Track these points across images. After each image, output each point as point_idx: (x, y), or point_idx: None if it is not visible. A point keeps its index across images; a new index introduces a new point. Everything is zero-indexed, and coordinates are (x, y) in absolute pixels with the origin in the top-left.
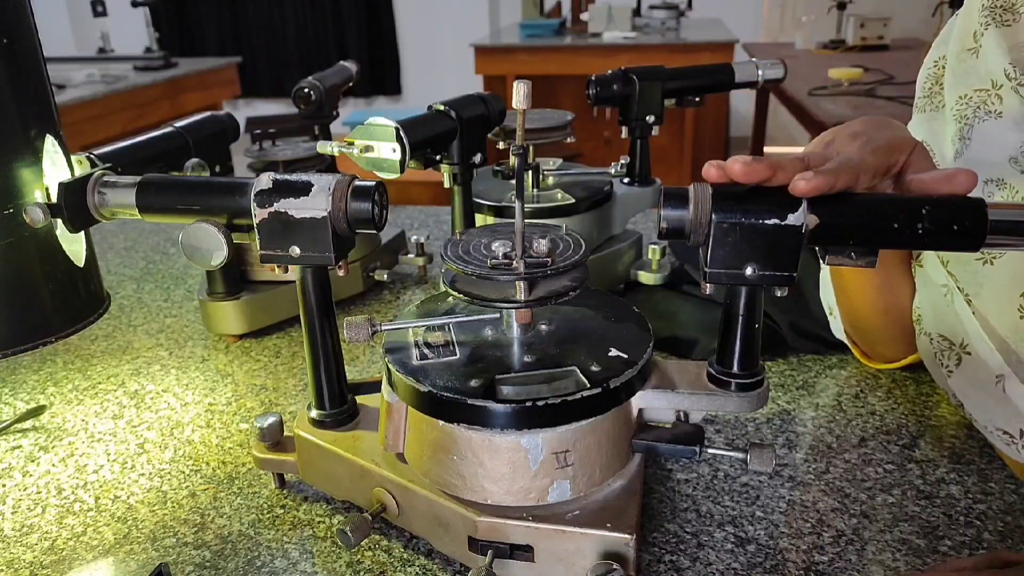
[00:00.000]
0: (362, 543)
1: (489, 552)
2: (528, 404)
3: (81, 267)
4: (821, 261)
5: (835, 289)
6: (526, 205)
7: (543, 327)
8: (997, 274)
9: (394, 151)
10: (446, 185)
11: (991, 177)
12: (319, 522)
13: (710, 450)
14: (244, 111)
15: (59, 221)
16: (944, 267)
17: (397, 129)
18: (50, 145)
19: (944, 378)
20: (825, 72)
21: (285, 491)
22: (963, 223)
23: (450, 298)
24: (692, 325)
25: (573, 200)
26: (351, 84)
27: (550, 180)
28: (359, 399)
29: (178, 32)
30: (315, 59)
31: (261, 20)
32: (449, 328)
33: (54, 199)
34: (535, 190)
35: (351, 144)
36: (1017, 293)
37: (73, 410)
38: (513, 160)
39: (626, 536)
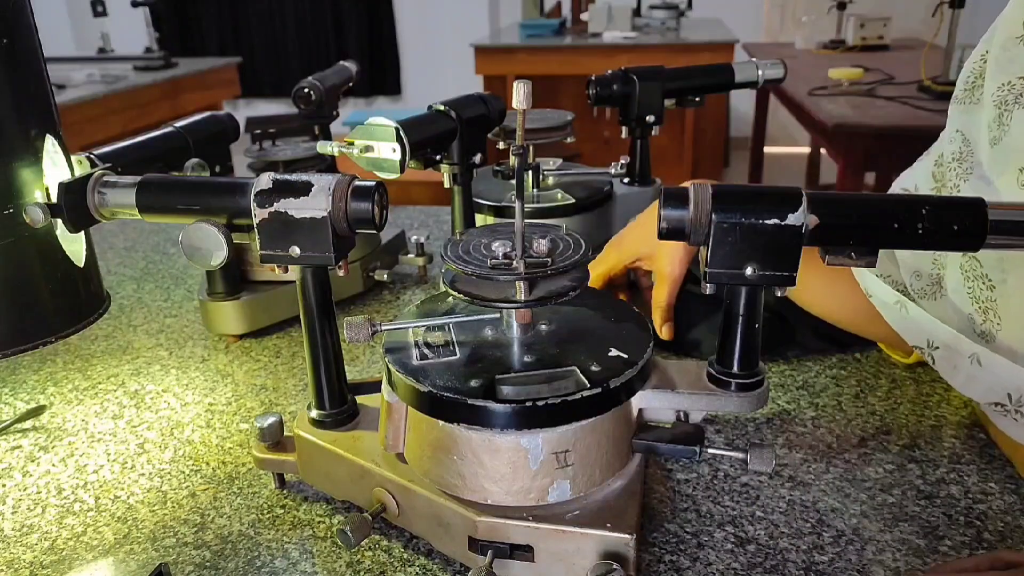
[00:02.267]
0: (362, 543)
1: (489, 552)
2: (528, 404)
3: (81, 267)
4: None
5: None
6: (526, 205)
7: (543, 327)
8: (1022, 258)
9: (394, 151)
10: (446, 185)
11: None
12: (319, 522)
13: (710, 450)
14: (244, 111)
15: (59, 221)
16: (962, 255)
17: (397, 129)
18: (50, 145)
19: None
20: (825, 72)
21: (285, 491)
22: (963, 223)
23: (450, 298)
24: (695, 325)
25: (573, 200)
26: (351, 84)
27: (550, 180)
28: (359, 399)
29: (178, 32)
30: (315, 59)
31: (261, 20)
32: (449, 328)
33: (54, 199)
34: (535, 190)
35: (351, 144)
36: None
37: (73, 410)
38: (513, 160)
39: (626, 536)
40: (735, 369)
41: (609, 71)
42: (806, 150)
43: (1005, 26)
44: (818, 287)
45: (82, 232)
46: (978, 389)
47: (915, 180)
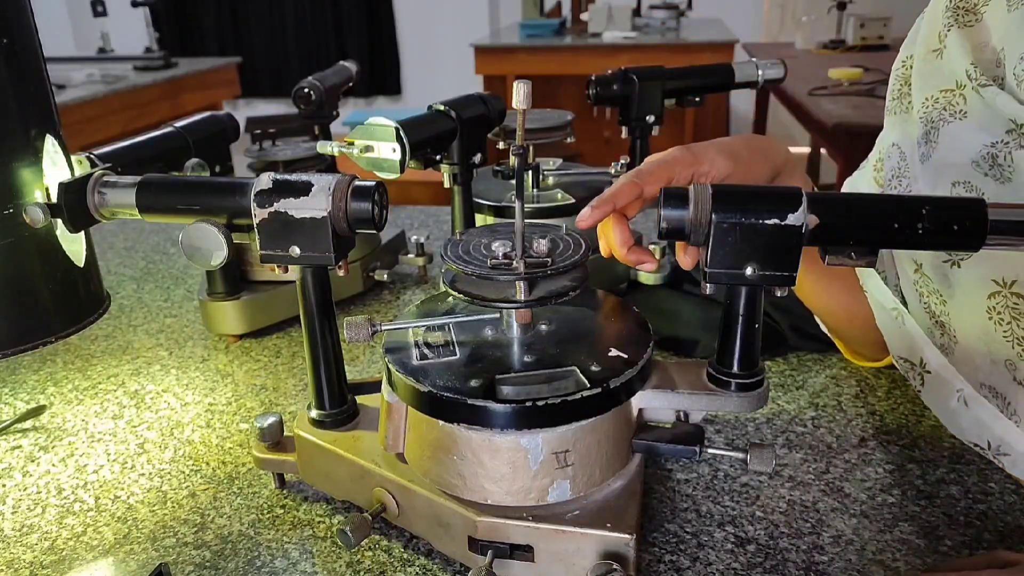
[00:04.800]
0: (362, 543)
1: (489, 552)
2: (528, 404)
3: (81, 267)
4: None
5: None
6: (526, 205)
7: (543, 327)
8: (965, 276)
9: (394, 151)
10: (446, 185)
11: (958, 180)
12: (319, 522)
13: (710, 450)
14: (244, 111)
15: (59, 221)
16: (915, 272)
17: (397, 129)
18: (50, 145)
19: (918, 395)
20: (825, 72)
21: (285, 491)
22: (963, 223)
23: (450, 298)
24: (694, 324)
25: (573, 200)
26: (351, 84)
27: (550, 180)
28: (359, 399)
29: (178, 32)
30: (315, 59)
31: (261, 20)
32: (449, 328)
33: (54, 199)
34: (535, 190)
35: (351, 144)
36: (985, 295)
37: (73, 410)
38: (513, 160)
39: (626, 536)
40: (735, 369)
41: (609, 71)
42: (806, 150)
43: (924, 38)
44: (817, 282)
45: (82, 232)
46: (960, 427)
47: (858, 189)
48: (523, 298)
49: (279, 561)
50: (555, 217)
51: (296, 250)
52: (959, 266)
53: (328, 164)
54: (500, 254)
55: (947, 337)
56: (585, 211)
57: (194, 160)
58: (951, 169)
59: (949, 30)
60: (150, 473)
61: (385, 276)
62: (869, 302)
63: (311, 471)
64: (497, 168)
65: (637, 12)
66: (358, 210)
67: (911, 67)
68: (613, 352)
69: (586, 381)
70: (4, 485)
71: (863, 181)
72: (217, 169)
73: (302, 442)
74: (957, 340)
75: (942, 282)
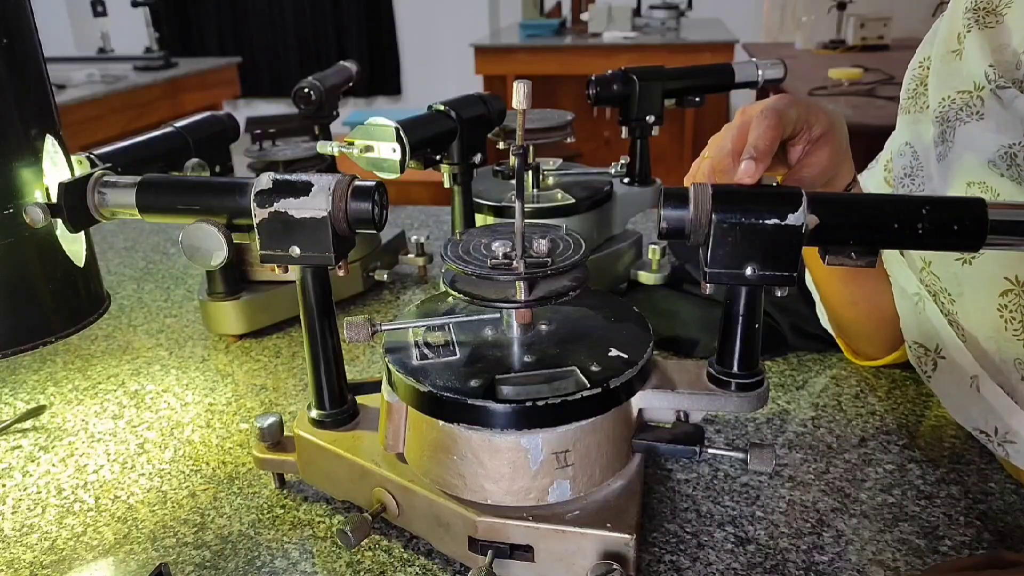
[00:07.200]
0: (362, 543)
1: (489, 552)
2: (528, 404)
3: (81, 267)
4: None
5: (811, 276)
6: (526, 205)
7: (543, 327)
8: (976, 275)
9: (394, 151)
10: (446, 185)
11: (973, 180)
12: (319, 522)
13: (710, 450)
14: (244, 111)
15: (59, 221)
16: (921, 271)
17: (397, 129)
18: (50, 145)
19: (926, 381)
20: (825, 72)
21: (285, 491)
22: (963, 223)
23: (450, 298)
24: (693, 325)
25: (573, 200)
26: (351, 84)
27: (550, 180)
28: (359, 399)
29: (178, 32)
30: (315, 59)
31: (261, 20)
32: (449, 328)
33: (54, 199)
34: (535, 190)
35: (351, 144)
36: (996, 293)
37: (73, 410)
38: (513, 160)
39: (626, 536)
40: (735, 369)
41: (609, 71)
42: None
43: (943, 38)
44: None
45: (82, 232)
46: (967, 413)
47: (866, 189)
48: (523, 298)
49: (279, 561)
50: (555, 217)
51: (296, 250)
52: (970, 264)
53: (328, 164)
54: (500, 254)
55: (955, 333)
56: (750, 166)
57: (194, 160)
58: (966, 169)
59: (969, 31)
60: (150, 473)
61: (385, 276)
62: (893, 289)
63: (311, 471)
64: (497, 168)
65: (637, 12)
66: (358, 210)
67: (928, 68)
68: (613, 352)
69: (586, 381)
70: (4, 485)
71: (872, 181)
72: (217, 169)
73: (302, 442)
74: (965, 339)
75: (951, 280)
